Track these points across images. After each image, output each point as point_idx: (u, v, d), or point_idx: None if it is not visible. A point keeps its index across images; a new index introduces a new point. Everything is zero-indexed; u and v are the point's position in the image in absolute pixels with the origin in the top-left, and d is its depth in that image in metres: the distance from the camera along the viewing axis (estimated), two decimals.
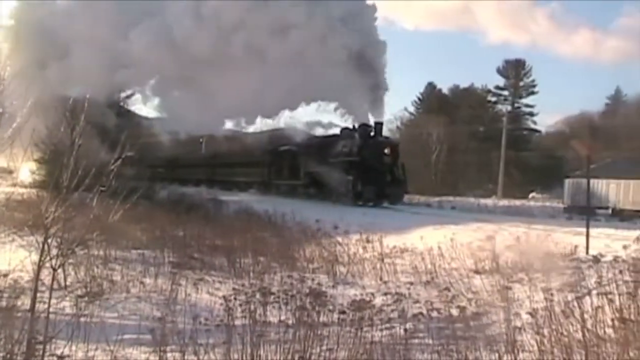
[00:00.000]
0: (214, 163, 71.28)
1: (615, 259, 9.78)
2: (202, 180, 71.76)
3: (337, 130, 44.48)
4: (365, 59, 37.17)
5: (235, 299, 7.63)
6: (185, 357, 6.68)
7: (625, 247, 12.23)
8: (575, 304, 7.61)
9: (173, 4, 36.46)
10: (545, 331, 7.15)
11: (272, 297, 7.91)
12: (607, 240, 15.29)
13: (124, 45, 34.14)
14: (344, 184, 37.19)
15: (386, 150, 37.68)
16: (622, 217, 38.80)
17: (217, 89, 34.79)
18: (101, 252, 13.55)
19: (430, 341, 7.42)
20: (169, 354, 6.85)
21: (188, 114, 37.01)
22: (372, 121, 40.01)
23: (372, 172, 36.47)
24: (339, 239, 16.54)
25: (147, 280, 12.21)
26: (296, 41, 35.33)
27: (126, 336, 8.05)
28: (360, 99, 38.87)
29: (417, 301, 7.62)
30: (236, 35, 35.09)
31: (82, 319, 8.55)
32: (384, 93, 39.23)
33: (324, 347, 6.91)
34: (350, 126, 41.07)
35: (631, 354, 6.50)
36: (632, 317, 6.94)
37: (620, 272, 8.42)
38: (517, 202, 49.58)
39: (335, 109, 41.27)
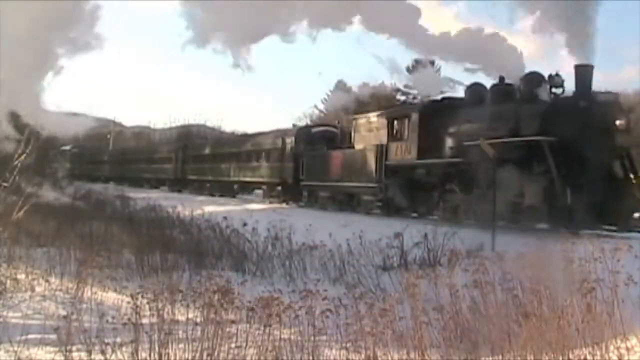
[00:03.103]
0: (187, 157, 55.66)
1: (520, 255, 9.98)
2: (168, 180, 58.58)
3: None
4: None
5: (142, 297, 7.53)
6: (92, 356, 6.58)
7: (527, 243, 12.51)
8: (481, 299, 7.75)
9: None
10: (452, 326, 7.28)
11: (180, 294, 7.84)
12: (512, 237, 15.62)
13: None
14: (533, 193, 19.53)
15: (618, 122, 19.67)
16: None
17: None
18: (5, 250, 13.24)
19: (339, 338, 7.47)
20: (74, 354, 6.74)
21: None
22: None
23: (584, 167, 19.15)
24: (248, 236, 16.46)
25: (53, 279, 11.98)
26: None
27: (30, 336, 7.91)
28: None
29: (325, 298, 7.64)
30: None
31: None
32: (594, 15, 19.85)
33: (233, 345, 6.91)
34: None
35: (534, 347, 6.67)
36: (535, 312, 7.11)
37: (524, 268, 8.61)
38: None
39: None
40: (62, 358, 6.74)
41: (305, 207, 33.65)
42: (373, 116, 30.78)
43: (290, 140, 38.25)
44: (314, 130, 39.07)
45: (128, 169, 70.75)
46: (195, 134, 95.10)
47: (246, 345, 6.97)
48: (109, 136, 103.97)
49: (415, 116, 26.00)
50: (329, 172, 32.45)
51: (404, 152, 26.42)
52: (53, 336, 7.09)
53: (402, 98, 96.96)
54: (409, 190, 26.02)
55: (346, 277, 13.16)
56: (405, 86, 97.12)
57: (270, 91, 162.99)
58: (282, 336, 6.98)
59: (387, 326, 7.06)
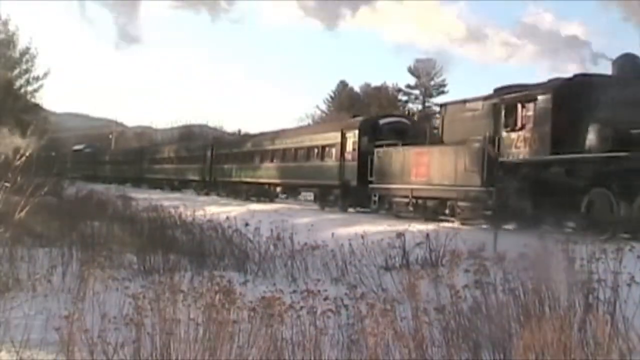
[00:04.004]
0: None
1: (521, 255, 9.97)
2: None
3: None
4: None
5: (144, 297, 7.54)
6: (94, 356, 6.59)
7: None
8: (483, 300, 7.75)
9: None
10: (453, 326, 7.28)
11: (182, 294, 7.85)
12: (514, 237, 15.60)
13: None
14: None
15: None
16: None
17: None
18: (6, 250, 13.25)
19: (341, 338, 7.47)
20: (76, 354, 6.75)
21: None
22: None
23: None
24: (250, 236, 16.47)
25: (55, 279, 12.00)
26: None
27: (32, 336, 7.90)
28: None
29: (326, 298, 7.65)
30: None
31: None
32: None
33: (235, 345, 6.91)
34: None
35: (536, 347, 6.67)
36: (537, 312, 7.12)
37: (525, 268, 8.60)
38: None
39: None
40: (64, 358, 6.75)
41: (371, 213, 29.10)
42: (474, 102, 25.17)
43: (352, 134, 32.77)
44: (382, 121, 33.27)
45: (147, 170, 67.12)
46: (198, 134, 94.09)
47: (248, 345, 6.97)
48: (110, 136, 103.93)
49: (545, 99, 20.86)
50: (409, 172, 26.98)
51: (529, 146, 21.22)
52: (55, 336, 7.10)
53: (404, 98, 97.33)
54: (534, 195, 20.63)
55: (348, 277, 13.17)
56: (407, 86, 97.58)
57: (271, 91, 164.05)
58: (284, 336, 6.98)
59: (389, 326, 7.07)
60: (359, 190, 31.13)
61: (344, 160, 32.90)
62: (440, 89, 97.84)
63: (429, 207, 25.88)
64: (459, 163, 23.83)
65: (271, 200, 40.64)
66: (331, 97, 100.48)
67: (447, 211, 24.89)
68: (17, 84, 44.92)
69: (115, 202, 30.93)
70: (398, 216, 26.55)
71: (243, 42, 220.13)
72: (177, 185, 58.09)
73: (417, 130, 30.98)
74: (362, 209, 31.23)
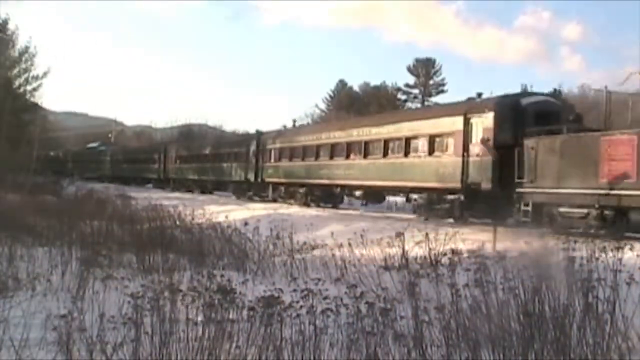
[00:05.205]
0: None
1: (521, 254, 9.97)
2: None
3: None
4: None
5: (143, 296, 7.53)
6: (93, 356, 6.58)
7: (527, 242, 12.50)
8: (482, 299, 7.74)
9: None
10: (453, 326, 7.26)
11: (181, 294, 7.84)
12: (513, 236, 15.59)
13: None
14: None
15: None
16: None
17: None
18: (6, 249, 13.25)
19: (340, 337, 7.46)
20: (75, 353, 6.73)
21: None
22: None
23: None
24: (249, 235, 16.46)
25: (54, 278, 11.99)
26: None
27: (32, 335, 7.89)
28: None
29: (326, 297, 7.64)
30: None
31: None
32: None
33: (234, 345, 6.89)
34: None
35: (535, 346, 6.67)
36: (536, 310, 7.11)
37: (525, 267, 8.59)
38: None
39: None
40: (63, 357, 6.74)
41: (517, 227, 20.37)
42: None
43: (482, 119, 23.98)
44: (526, 101, 24.39)
45: (173, 169, 59.61)
46: (197, 134, 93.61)
47: (247, 344, 6.96)
48: (110, 135, 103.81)
49: None
50: (595, 171, 19.51)
51: None
52: (54, 335, 7.09)
53: (403, 97, 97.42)
54: None
55: (347, 276, 13.14)
56: (406, 85, 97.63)
57: (271, 91, 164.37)
58: (283, 336, 6.97)
59: (388, 325, 7.07)
60: (494, 195, 23.12)
61: (468, 155, 24.39)
62: (440, 88, 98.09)
63: (633, 222, 18.60)
64: None
65: (334, 206, 34.07)
66: (330, 96, 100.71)
67: None
68: (16, 83, 45.06)
69: (114, 202, 30.90)
70: (569, 234, 15.96)
71: (243, 42, 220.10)
72: (211, 187, 51.44)
73: (572, 113, 23.66)
74: (478, 220, 24.08)
